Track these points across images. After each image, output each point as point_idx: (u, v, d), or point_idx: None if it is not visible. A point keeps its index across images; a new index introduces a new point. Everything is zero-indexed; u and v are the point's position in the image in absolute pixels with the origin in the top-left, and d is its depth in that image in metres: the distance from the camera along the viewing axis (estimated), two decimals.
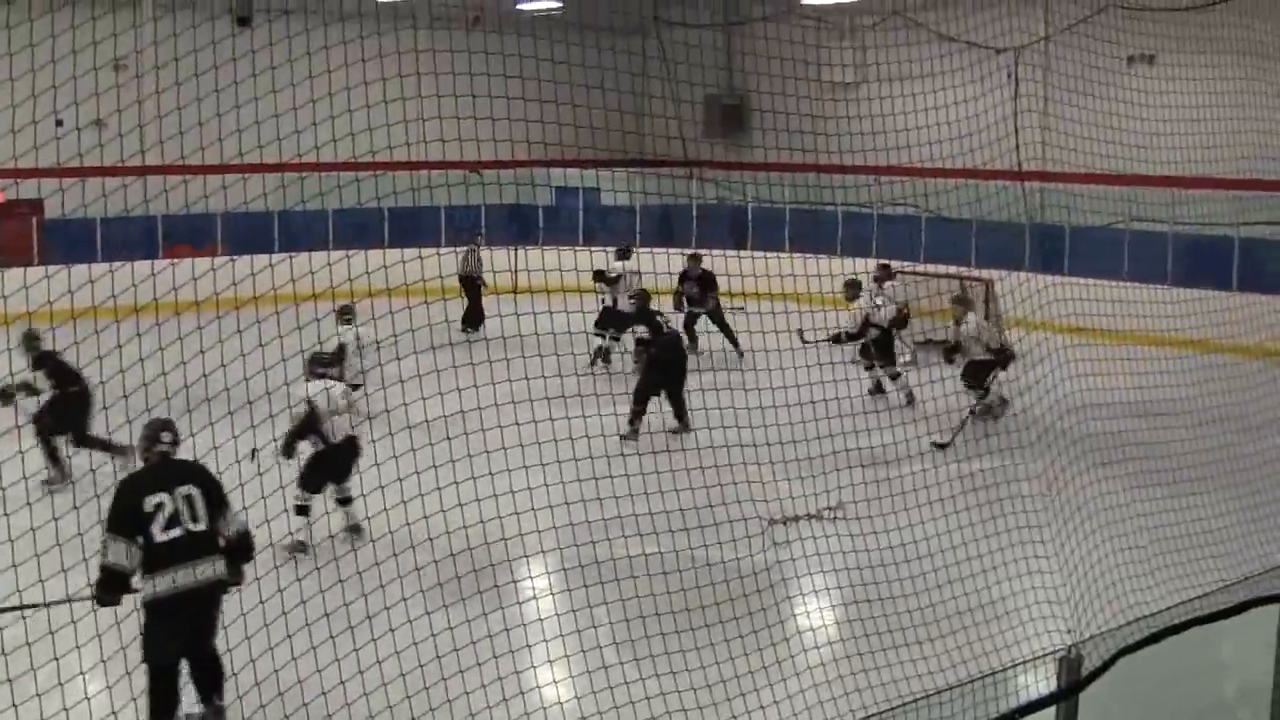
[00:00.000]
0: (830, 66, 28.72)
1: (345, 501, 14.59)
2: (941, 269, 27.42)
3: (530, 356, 12.23)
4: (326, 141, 11.88)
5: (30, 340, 16.39)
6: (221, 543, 9.89)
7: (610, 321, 24.53)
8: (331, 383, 14.64)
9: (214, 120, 12.50)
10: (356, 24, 12.13)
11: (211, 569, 9.76)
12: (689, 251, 25.85)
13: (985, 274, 26.59)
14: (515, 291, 13.13)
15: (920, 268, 28.27)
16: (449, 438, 10.83)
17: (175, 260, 22.53)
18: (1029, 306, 16.05)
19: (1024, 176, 23.73)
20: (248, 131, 12.53)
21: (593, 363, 23.39)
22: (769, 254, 25.77)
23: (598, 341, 24.18)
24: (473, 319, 27.13)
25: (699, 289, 25.27)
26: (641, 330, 20.40)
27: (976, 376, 19.99)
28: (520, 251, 21.70)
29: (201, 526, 9.68)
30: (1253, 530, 13.29)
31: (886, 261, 25.91)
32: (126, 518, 9.51)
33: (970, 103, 16.66)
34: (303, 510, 14.19)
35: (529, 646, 10.70)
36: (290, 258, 14.40)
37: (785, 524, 14.03)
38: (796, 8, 28.02)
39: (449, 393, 11.42)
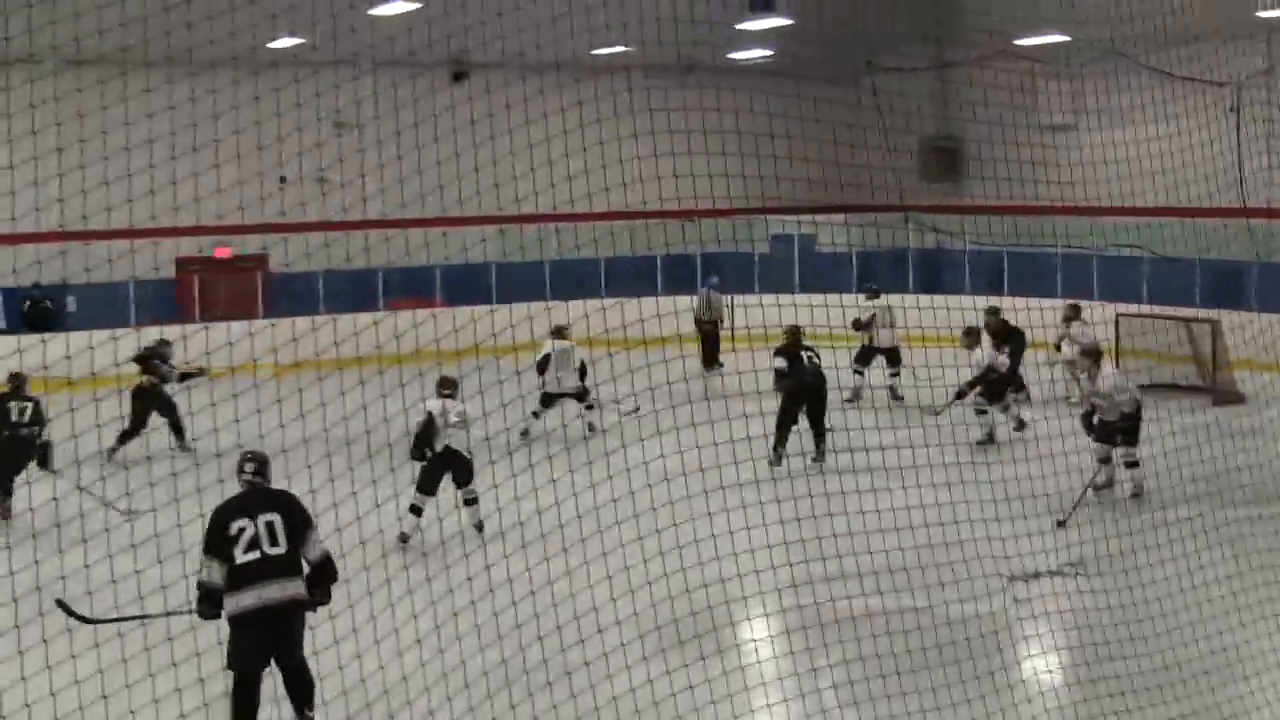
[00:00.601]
0: (1048, 109, 28.44)
1: (469, 502, 16.24)
2: (1166, 310, 26.93)
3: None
4: (544, 190, 12.10)
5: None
6: (304, 566, 10.48)
7: (867, 359, 25.06)
8: (450, 402, 16.14)
9: (433, 171, 12.80)
10: (571, 77, 12.29)
11: (291, 589, 10.33)
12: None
13: (1211, 314, 26.06)
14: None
15: (1145, 310, 27.76)
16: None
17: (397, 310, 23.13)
18: (1256, 346, 15.76)
19: (1249, 213, 23.28)
20: (467, 182, 12.81)
21: (851, 400, 23.34)
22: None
23: (858, 379, 24.55)
24: (710, 360, 28.15)
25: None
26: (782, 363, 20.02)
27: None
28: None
29: (280, 550, 10.29)
30: None
31: (1076, 302, 25.42)
32: (215, 540, 10.23)
33: (1192, 139, 16.43)
34: (415, 510, 15.98)
35: (751, 710, 10.68)
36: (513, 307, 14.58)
37: (1026, 580, 13.83)
38: (1011, 48, 27.76)
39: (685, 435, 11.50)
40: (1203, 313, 26.71)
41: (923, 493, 13.13)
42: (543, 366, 21.46)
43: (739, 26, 25.73)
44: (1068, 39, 27.75)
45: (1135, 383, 18.99)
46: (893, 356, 25.11)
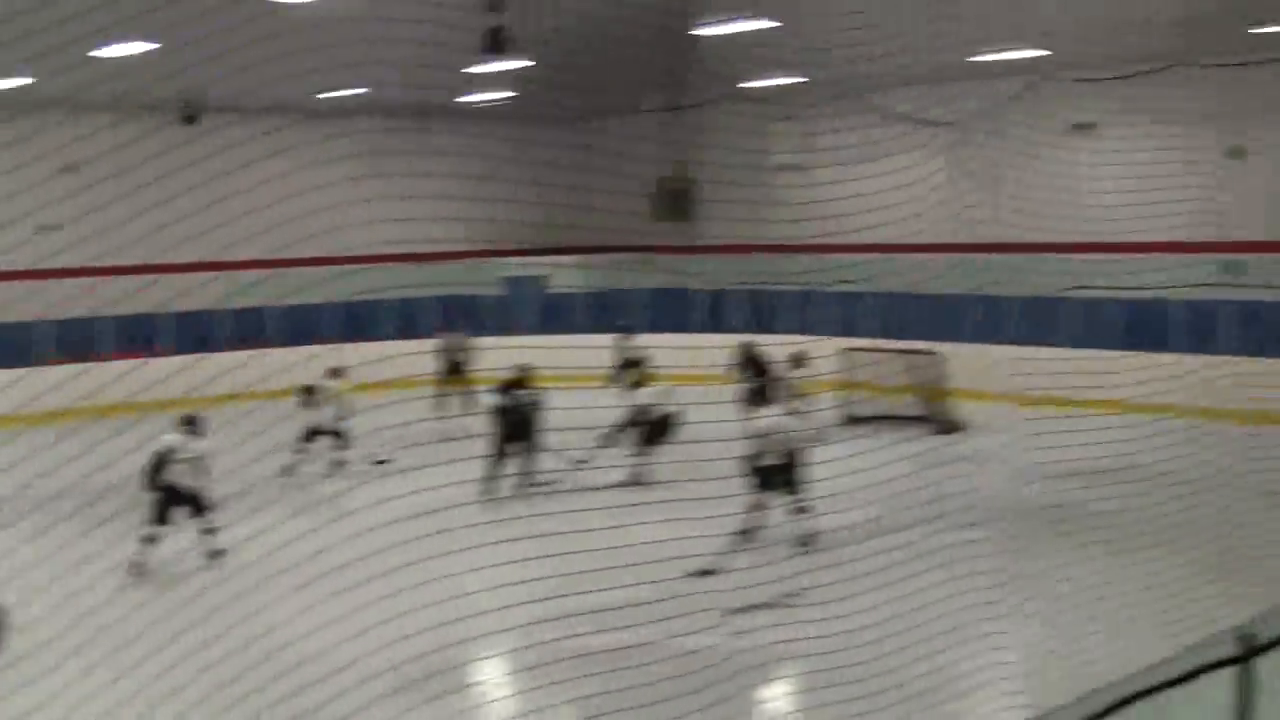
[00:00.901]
0: (778, 150, 29.04)
1: (206, 533, 16.40)
2: (890, 344, 27.66)
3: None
4: (270, 231, 12.05)
5: None
6: None
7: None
8: (189, 438, 16.37)
9: (155, 213, 12.65)
10: (306, 121, 12.26)
11: None
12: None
13: (933, 346, 26.82)
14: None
15: (870, 344, 28.46)
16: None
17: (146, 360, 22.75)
18: (980, 379, 16.25)
19: (969, 248, 24.03)
20: (191, 223, 12.69)
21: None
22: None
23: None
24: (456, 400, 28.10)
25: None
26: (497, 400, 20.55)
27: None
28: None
29: None
30: (1203, 593, 13.42)
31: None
32: None
33: (918, 179, 16.93)
34: (148, 540, 15.96)
35: None
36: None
37: (743, 613, 14.06)
38: (742, 91, 28.27)
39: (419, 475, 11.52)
40: (925, 345, 27.46)
41: (647, 529, 13.30)
42: (306, 402, 21.47)
43: (472, 70, 25.76)
44: (796, 81, 28.36)
45: (801, 425, 18.05)
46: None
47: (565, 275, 34.62)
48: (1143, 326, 28.61)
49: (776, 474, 16.87)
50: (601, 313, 34.91)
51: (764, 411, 17.77)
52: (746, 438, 17.00)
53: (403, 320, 31.82)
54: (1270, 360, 23.82)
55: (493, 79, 28.20)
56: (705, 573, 14.90)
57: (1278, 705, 7.25)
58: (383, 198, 12.34)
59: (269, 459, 18.52)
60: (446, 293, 32.80)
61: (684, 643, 12.66)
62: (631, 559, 12.14)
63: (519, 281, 35.99)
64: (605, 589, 11.84)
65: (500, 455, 19.78)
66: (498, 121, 17.74)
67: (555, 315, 34.66)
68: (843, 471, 14.31)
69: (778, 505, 16.71)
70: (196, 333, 30.26)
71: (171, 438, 16.27)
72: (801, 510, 16.69)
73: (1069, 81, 24.35)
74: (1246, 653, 7.15)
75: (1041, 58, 25.57)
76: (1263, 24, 23.81)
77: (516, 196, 13.48)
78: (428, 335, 28.99)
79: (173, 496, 16.24)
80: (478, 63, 24.55)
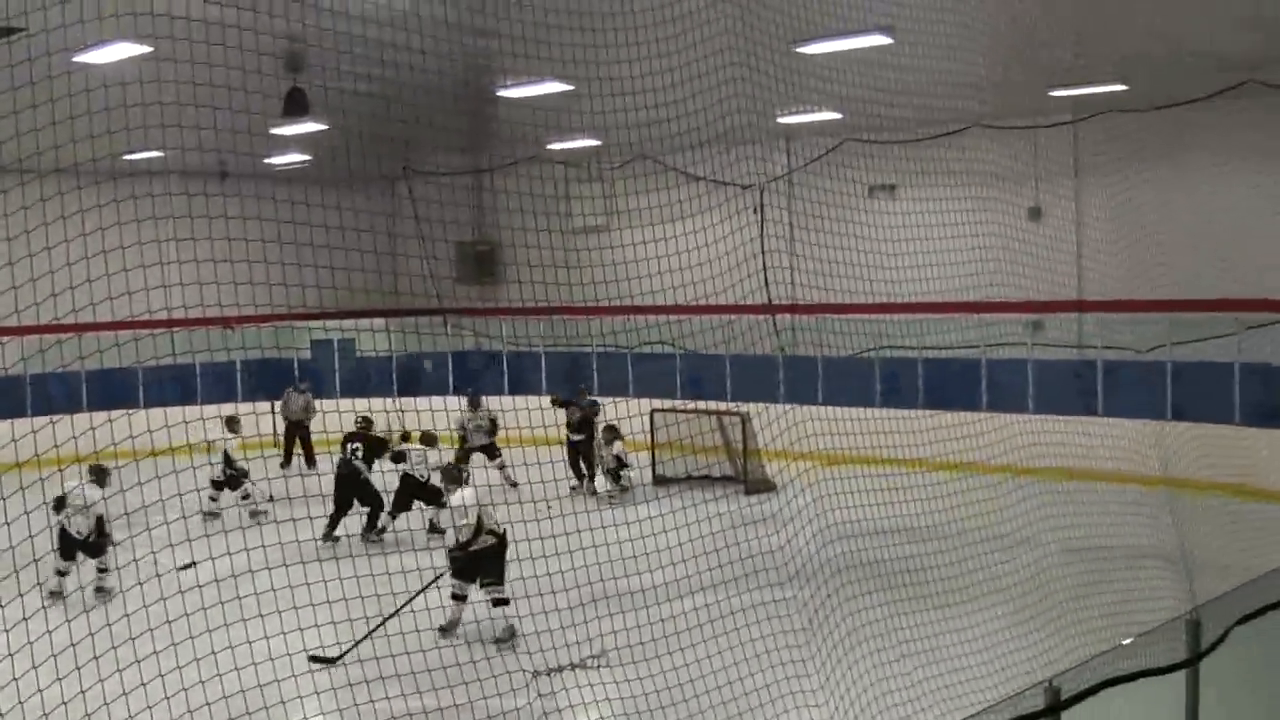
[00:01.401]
0: (581, 213, 29.08)
1: (100, 571, 17.77)
2: (698, 405, 27.82)
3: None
4: (83, 304, 11.78)
5: None
6: None
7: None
8: (88, 487, 17.51)
9: None
10: (104, 184, 12.01)
11: None
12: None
13: (740, 407, 27.00)
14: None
15: (678, 405, 28.59)
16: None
17: None
18: (787, 438, 16.35)
19: (774, 310, 24.23)
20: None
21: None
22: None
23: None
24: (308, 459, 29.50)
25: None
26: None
27: None
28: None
29: None
30: (1014, 646, 13.59)
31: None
32: None
33: (719, 239, 17.01)
34: (59, 572, 17.60)
35: None
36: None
37: (550, 674, 13.97)
38: (544, 153, 28.30)
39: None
40: (731, 405, 27.66)
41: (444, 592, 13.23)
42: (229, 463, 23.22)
43: (273, 131, 25.54)
44: (598, 144, 28.46)
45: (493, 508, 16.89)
46: (490, 452, 26.47)
47: (372, 339, 34.36)
48: (945, 385, 29.09)
49: (480, 563, 16.07)
50: (409, 375, 34.78)
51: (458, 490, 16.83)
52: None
53: (209, 384, 31.40)
54: (1069, 418, 24.28)
55: (295, 141, 27.99)
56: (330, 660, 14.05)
57: None
58: (185, 261, 12.15)
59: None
60: (253, 357, 32.48)
61: (490, 705, 12.57)
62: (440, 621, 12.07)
63: (326, 345, 35.67)
64: (415, 651, 11.74)
65: (339, 512, 20.87)
66: (301, 184, 17.57)
67: (364, 378, 34.40)
68: (650, 532, 14.29)
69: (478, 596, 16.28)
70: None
71: (71, 485, 17.26)
72: (500, 602, 15.85)
73: (869, 143, 24.69)
74: (1054, 705, 7.28)
75: (842, 120, 25.94)
76: (1061, 86, 24.39)
77: (322, 260, 13.31)
78: (230, 399, 28.72)
79: (68, 539, 17.62)
80: (279, 125, 24.36)
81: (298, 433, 30.19)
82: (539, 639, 13.68)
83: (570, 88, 21.57)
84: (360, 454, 21.76)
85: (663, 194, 17.57)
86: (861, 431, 18.73)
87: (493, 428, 26.65)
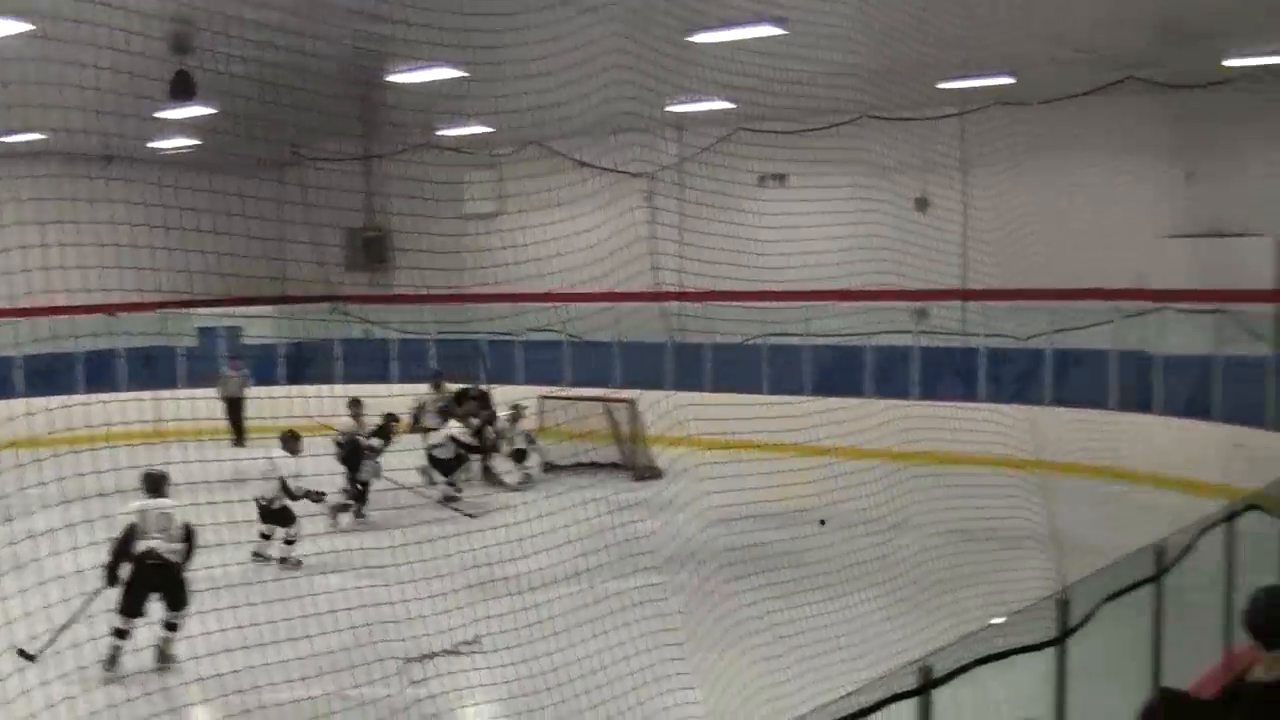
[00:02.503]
0: (472, 198, 29.11)
1: None
2: (586, 391, 27.91)
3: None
4: None
5: None
6: None
7: None
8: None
9: None
10: None
11: None
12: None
13: (628, 393, 27.12)
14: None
15: (565, 391, 28.67)
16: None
17: None
18: (670, 423, 16.48)
19: (664, 297, 24.35)
20: None
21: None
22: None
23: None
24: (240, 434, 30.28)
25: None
26: None
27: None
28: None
29: None
30: (890, 628, 13.73)
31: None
32: None
33: (610, 227, 17.10)
34: None
35: None
36: None
37: (422, 661, 13.99)
38: (435, 140, 28.24)
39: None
40: (620, 391, 27.77)
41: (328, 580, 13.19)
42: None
43: (159, 115, 25.27)
44: (491, 130, 28.47)
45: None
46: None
47: (260, 326, 34.17)
48: (833, 372, 29.36)
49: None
50: (297, 364, 34.59)
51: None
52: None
53: (91, 371, 31.04)
54: (955, 403, 24.62)
55: (182, 125, 27.73)
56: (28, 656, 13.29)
57: None
58: (67, 245, 12.03)
59: None
60: (137, 344, 32.15)
61: (362, 693, 12.57)
62: (310, 609, 12.05)
63: (213, 333, 35.38)
64: (284, 640, 11.70)
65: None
66: (188, 169, 17.42)
67: (251, 367, 34.19)
68: (531, 516, 14.33)
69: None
70: None
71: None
72: (171, 627, 14.62)
73: (760, 132, 24.86)
74: (925, 685, 7.43)
75: (733, 110, 26.10)
76: (948, 78, 24.68)
77: (209, 246, 13.21)
78: (115, 388, 28.45)
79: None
80: (165, 108, 24.13)
81: (234, 409, 30.96)
82: (411, 625, 13.61)
83: (462, 74, 21.58)
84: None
85: (553, 179, 17.64)
86: (748, 417, 18.87)
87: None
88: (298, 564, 18.49)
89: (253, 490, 18.62)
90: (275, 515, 19.04)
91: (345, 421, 22.47)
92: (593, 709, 12.20)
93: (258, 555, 18.75)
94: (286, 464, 19.18)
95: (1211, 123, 25.12)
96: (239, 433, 30.55)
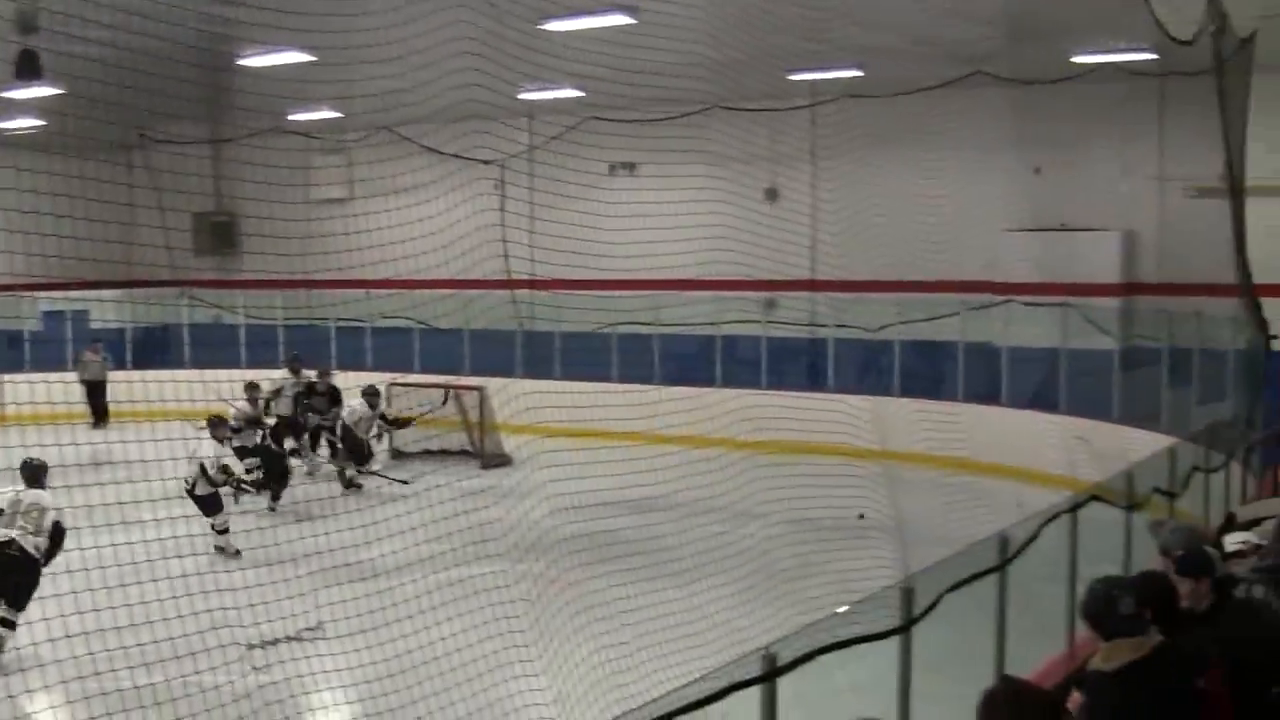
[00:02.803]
0: (320, 184, 28.95)
1: None
2: (434, 379, 27.88)
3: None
4: None
5: None
6: None
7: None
8: None
9: None
10: None
11: None
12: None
13: (477, 381, 27.13)
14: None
15: (414, 378, 28.59)
16: None
17: None
18: (519, 410, 16.50)
19: (514, 285, 24.37)
20: None
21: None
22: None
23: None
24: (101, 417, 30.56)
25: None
26: None
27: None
28: None
29: None
30: (737, 616, 13.82)
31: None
32: None
33: (460, 215, 17.07)
34: None
35: None
36: None
37: (264, 647, 13.87)
38: (284, 124, 28.01)
39: None
40: (470, 380, 27.78)
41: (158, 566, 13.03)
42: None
43: (4, 95, 24.89)
44: (340, 116, 28.30)
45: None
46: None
47: (106, 310, 33.70)
48: (682, 361, 29.56)
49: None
50: (146, 348, 34.22)
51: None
52: None
53: None
54: (799, 393, 24.81)
55: (27, 105, 27.29)
56: None
57: (790, 715, 7.65)
58: None
59: None
60: None
61: (203, 680, 12.48)
62: (154, 596, 11.95)
63: (59, 316, 34.86)
64: (126, 626, 11.58)
65: None
66: (33, 151, 17.14)
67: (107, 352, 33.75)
68: (379, 501, 14.32)
69: None
70: None
71: None
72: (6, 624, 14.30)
73: (610, 121, 24.92)
74: (770, 672, 7.54)
75: (584, 98, 26.13)
76: (798, 70, 24.90)
77: (53, 229, 13.03)
78: None
79: None
80: (11, 88, 23.76)
81: (95, 392, 31.12)
82: (253, 612, 13.51)
83: (311, 58, 21.45)
84: None
85: (403, 166, 17.58)
86: (598, 405, 18.94)
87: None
88: (237, 553, 18.32)
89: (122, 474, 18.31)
90: (199, 501, 18.87)
91: (242, 406, 22.38)
92: (436, 695, 12.21)
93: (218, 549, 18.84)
94: (206, 448, 19.03)
95: (1059, 118, 25.56)
96: (101, 415, 30.58)
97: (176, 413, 18.95)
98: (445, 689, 12.22)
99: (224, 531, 18.83)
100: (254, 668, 13.08)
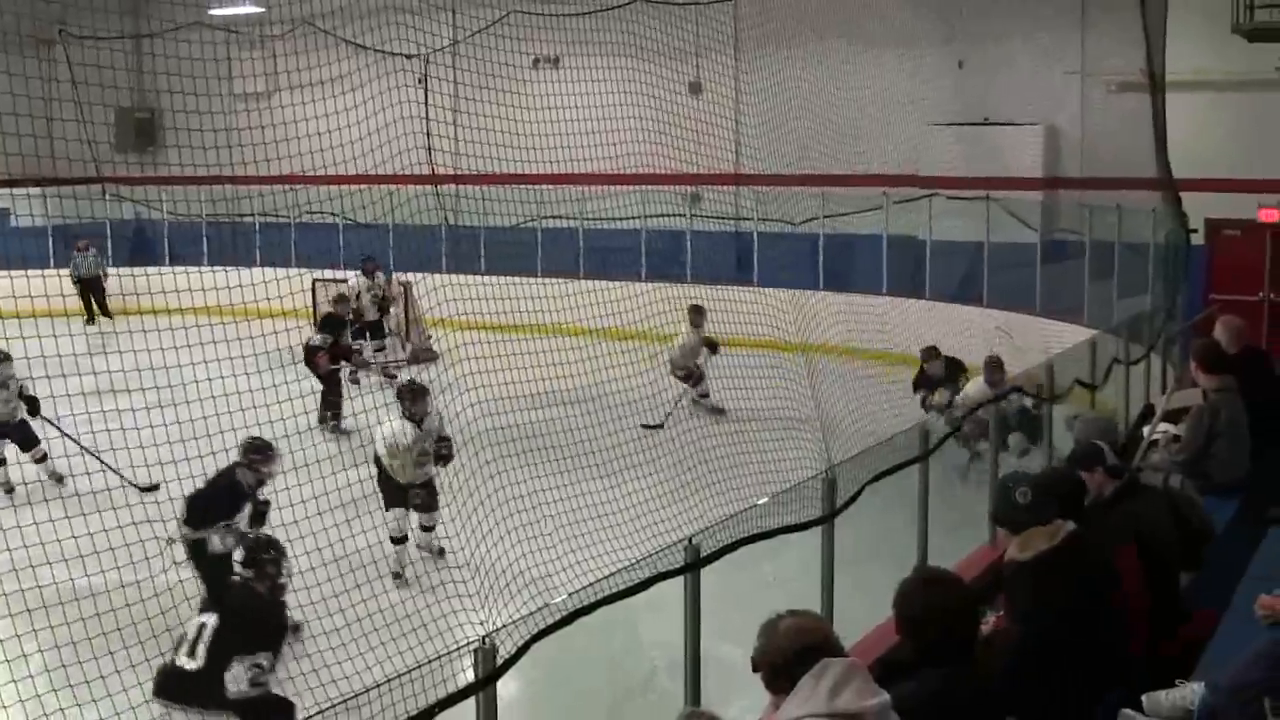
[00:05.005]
0: (242, 78, 28.62)
1: None
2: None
3: None
4: None
5: None
6: None
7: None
8: None
9: None
10: None
11: None
12: None
13: (404, 277, 27.13)
14: None
15: (340, 274, 28.55)
16: None
17: None
18: (447, 306, 16.52)
19: (437, 180, 24.34)
20: None
21: None
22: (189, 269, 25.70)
23: None
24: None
25: None
26: None
27: None
28: None
29: None
30: (660, 507, 13.91)
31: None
32: None
33: (383, 109, 17.01)
34: None
35: None
36: None
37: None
38: (206, 19, 27.75)
39: None
40: (396, 275, 27.77)
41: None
42: None
43: None
44: (262, 10, 28.06)
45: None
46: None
47: (27, 207, 33.39)
48: (606, 254, 29.64)
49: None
50: (66, 246, 33.94)
51: None
52: None
53: None
54: (724, 286, 24.92)
55: None
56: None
57: (716, 606, 7.81)
58: None
59: None
60: None
61: (167, 579, 12.39)
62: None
63: None
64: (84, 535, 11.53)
65: None
66: None
67: (20, 249, 33.45)
68: (296, 395, 14.21)
69: None
70: None
71: None
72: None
73: (533, 15, 24.82)
74: (693, 563, 7.68)
75: None
76: None
77: None
78: None
79: None
80: None
81: (91, 289, 32.13)
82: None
83: None
84: None
85: (327, 64, 17.51)
86: (523, 296, 18.98)
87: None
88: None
89: None
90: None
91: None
92: (358, 588, 12.34)
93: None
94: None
95: (983, 12, 25.63)
96: (101, 311, 31.66)
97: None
98: (367, 581, 12.35)
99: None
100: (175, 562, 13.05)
